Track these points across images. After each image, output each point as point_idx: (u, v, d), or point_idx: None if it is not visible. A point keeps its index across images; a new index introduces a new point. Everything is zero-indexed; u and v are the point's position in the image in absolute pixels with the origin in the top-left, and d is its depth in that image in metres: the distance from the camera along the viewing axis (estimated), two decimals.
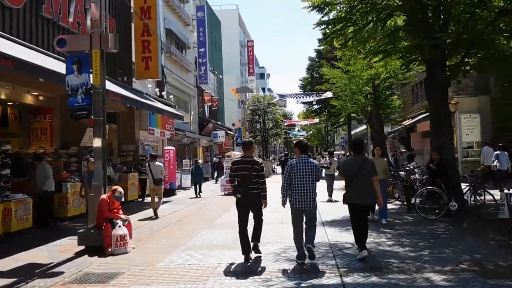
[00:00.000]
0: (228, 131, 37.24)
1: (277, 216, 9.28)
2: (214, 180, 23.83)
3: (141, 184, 14.61)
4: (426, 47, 9.08)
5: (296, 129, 61.53)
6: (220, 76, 38.19)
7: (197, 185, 16.00)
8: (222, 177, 17.66)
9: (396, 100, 19.84)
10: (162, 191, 11.38)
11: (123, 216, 7.05)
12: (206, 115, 32.30)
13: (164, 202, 11.83)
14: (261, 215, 5.95)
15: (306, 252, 5.51)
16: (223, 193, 16.33)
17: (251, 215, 5.93)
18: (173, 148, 17.58)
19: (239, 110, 41.46)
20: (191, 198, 15.35)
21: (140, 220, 10.14)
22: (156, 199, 11.02)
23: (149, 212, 11.07)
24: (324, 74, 20.68)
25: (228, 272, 5.33)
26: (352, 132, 33.38)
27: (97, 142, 7.23)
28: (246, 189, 5.64)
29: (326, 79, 20.72)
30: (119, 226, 6.71)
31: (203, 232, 8.21)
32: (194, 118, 27.93)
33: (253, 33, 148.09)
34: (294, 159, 5.78)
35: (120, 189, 7.03)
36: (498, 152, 13.25)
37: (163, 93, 19.11)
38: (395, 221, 8.80)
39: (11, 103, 11.34)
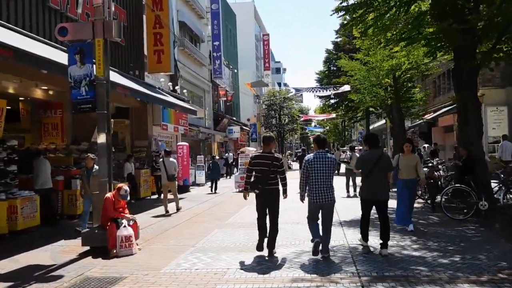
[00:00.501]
0: (244, 127, 36.82)
1: (292, 214, 8.82)
2: (226, 177, 23.52)
3: (156, 181, 14.30)
4: (455, 32, 8.35)
5: (313, 124, 60.66)
6: (235, 71, 37.69)
7: (214, 181, 15.97)
8: (236, 173, 17.26)
9: (418, 92, 18.94)
10: (176, 187, 11.26)
11: (128, 216, 6.68)
12: (222, 110, 31.92)
13: (170, 201, 11.47)
14: (277, 218, 5.83)
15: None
16: (237, 190, 15.94)
17: None
18: (187, 144, 17.24)
19: (255, 105, 40.96)
20: (208, 194, 15.23)
21: (152, 217, 9.83)
22: (170, 196, 10.91)
23: (161, 210, 10.78)
24: (341, 66, 19.93)
25: (237, 279, 4.87)
26: (370, 127, 32.44)
27: (101, 138, 6.85)
28: (265, 184, 5.60)
29: (344, 71, 19.99)
30: (124, 226, 6.34)
31: (214, 232, 7.78)
32: (209, 113, 27.58)
33: (269, 28, 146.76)
34: (311, 154, 5.70)
35: (125, 187, 6.65)
36: None
37: (177, 87, 18.75)
38: (419, 221, 8.17)
39: (22, 98, 11.16)
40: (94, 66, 6.82)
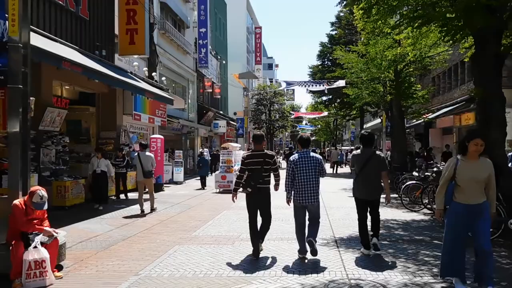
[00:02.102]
0: (231, 121, 34.98)
1: (278, 227, 7.16)
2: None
3: (118, 179, 12.10)
4: (480, 11, 6.73)
5: (304, 122, 59.23)
6: (224, 62, 35.74)
7: (202, 178, 15.66)
8: (217, 172, 15.49)
9: (420, 89, 17.37)
10: (153, 185, 10.04)
11: (49, 229, 4.83)
12: (207, 103, 29.99)
13: (146, 200, 9.76)
14: (270, 215, 5.74)
15: (307, 246, 5.35)
16: (217, 190, 14.19)
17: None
18: (161, 137, 15.37)
19: (243, 99, 39.13)
20: (197, 189, 14.93)
21: (105, 224, 7.98)
22: (146, 196, 9.80)
23: (120, 213, 9.04)
24: (337, 58, 18.25)
25: None
26: (364, 126, 30.94)
27: (14, 122, 5.00)
28: (257, 182, 5.50)
29: (339, 64, 18.32)
30: (35, 247, 4.50)
31: (171, 250, 5.99)
32: (193, 105, 25.67)
33: (262, 23, 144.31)
34: (296, 154, 5.60)
35: (41, 191, 4.74)
36: None
37: (154, 74, 16.81)
38: (433, 241, 6.52)
39: None
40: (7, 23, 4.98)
